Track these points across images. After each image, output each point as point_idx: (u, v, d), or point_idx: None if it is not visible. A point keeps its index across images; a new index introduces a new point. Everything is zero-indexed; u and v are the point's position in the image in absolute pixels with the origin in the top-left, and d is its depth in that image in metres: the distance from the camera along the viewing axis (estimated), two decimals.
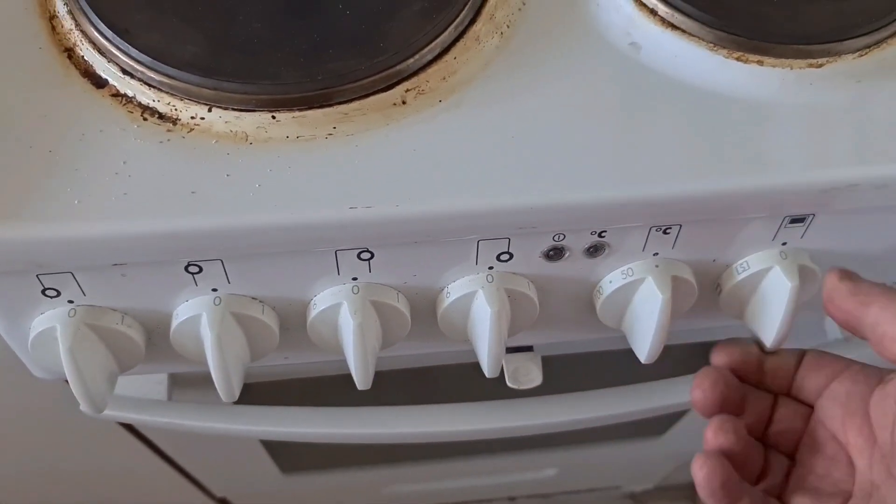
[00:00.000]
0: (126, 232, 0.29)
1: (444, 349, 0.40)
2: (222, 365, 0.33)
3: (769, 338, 0.37)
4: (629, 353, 0.48)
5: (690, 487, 1.08)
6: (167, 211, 0.29)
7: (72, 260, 0.30)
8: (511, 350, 0.42)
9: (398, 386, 0.49)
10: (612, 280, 0.35)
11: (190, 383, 0.44)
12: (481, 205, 0.30)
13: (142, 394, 0.43)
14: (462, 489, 0.87)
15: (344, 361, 0.41)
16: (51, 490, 0.65)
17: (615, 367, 0.49)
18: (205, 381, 0.45)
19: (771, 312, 0.36)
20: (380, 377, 0.48)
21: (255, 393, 0.44)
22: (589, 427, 0.44)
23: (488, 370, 0.36)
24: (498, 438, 0.69)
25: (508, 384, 0.41)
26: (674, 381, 0.44)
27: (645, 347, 0.36)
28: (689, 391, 0.37)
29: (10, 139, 0.30)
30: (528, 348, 0.42)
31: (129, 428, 0.53)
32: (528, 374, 0.41)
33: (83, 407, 0.34)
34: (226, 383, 0.34)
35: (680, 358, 0.50)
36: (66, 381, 0.44)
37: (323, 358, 0.39)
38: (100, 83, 0.32)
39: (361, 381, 0.35)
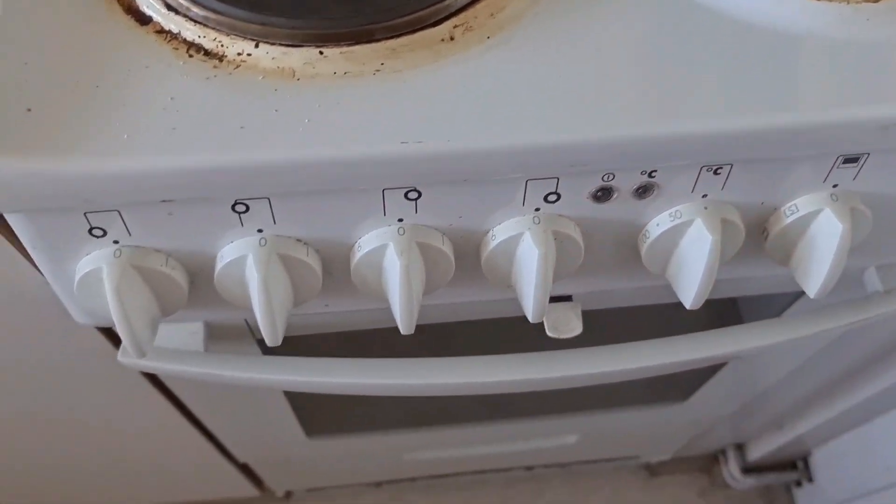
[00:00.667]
0: (175, 166, 0.29)
1: (486, 297, 0.40)
2: (268, 307, 0.33)
3: (815, 285, 0.36)
4: (665, 309, 0.48)
5: (705, 459, 1.08)
6: (216, 145, 0.29)
7: (120, 196, 0.30)
8: (551, 300, 0.41)
9: (434, 342, 0.48)
10: (659, 223, 0.35)
11: (226, 335, 0.44)
12: (533, 141, 0.30)
13: (178, 345, 0.42)
14: (481, 457, 0.87)
15: (381, 313, 0.41)
16: (71, 447, 0.65)
17: (652, 322, 0.49)
18: (240, 333, 0.45)
19: (819, 257, 0.35)
20: (417, 331, 0.48)
21: (290, 347, 0.44)
22: (624, 379, 0.44)
23: (533, 315, 0.35)
24: (524, 401, 0.69)
25: (548, 333, 0.41)
26: (710, 333, 0.44)
27: (692, 292, 0.36)
28: None
29: (57, 75, 0.30)
30: (568, 298, 0.42)
31: (158, 384, 0.53)
32: (569, 323, 0.40)
33: (127, 349, 0.34)
34: (271, 326, 0.34)
35: (715, 313, 0.50)
36: (101, 330, 0.44)
37: (363, 306, 0.39)
38: (144, 19, 0.32)
39: (406, 324, 0.35)
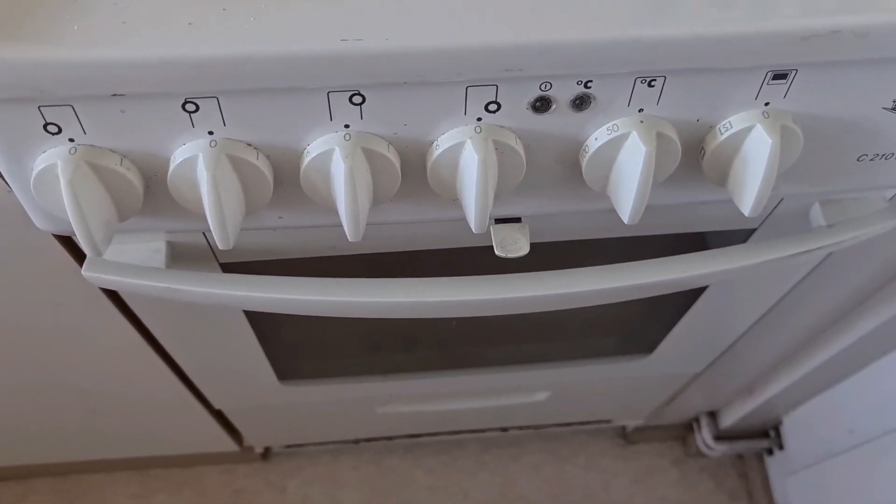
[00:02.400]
0: (125, 57, 0.30)
1: (435, 215, 0.41)
2: (217, 205, 0.34)
3: (749, 201, 0.38)
4: (630, 247, 0.49)
5: (680, 428, 1.10)
6: (165, 39, 0.30)
7: (71, 87, 0.31)
8: (500, 221, 0.43)
9: (389, 270, 0.50)
10: (597, 137, 0.36)
11: (188, 254, 0.46)
12: (468, 42, 0.31)
13: (141, 263, 0.44)
14: (455, 415, 0.88)
15: (334, 231, 0.42)
16: (38, 388, 0.66)
17: (605, 254, 0.50)
18: (202, 254, 0.46)
19: (752, 173, 0.37)
20: (371, 260, 0.49)
21: (250, 272, 0.45)
22: (568, 305, 0.45)
23: (475, 224, 0.37)
24: (492, 350, 0.71)
25: (496, 252, 0.42)
26: (661, 260, 0.45)
27: (628, 206, 0.37)
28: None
29: None
30: (517, 220, 0.43)
31: (126, 311, 0.54)
32: (516, 243, 0.42)
33: (83, 247, 0.35)
34: (220, 226, 0.35)
35: (667, 249, 0.51)
36: (65, 245, 0.45)
37: (315, 221, 0.41)
38: None
39: (352, 230, 0.36)
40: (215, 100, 0.33)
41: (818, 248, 0.46)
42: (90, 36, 0.30)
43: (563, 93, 0.34)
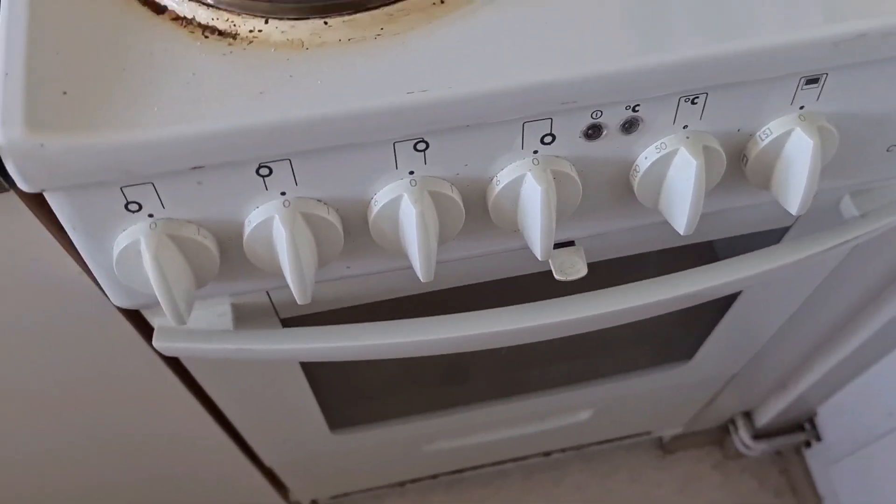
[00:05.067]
0: (204, 131, 0.32)
1: (495, 248, 0.42)
2: (296, 261, 0.35)
3: (795, 201, 0.39)
4: (658, 260, 0.51)
5: (716, 431, 1.11)
6: (240, 110, 0.32)
7: (154, 164, 0.32)
8: (555, 246, 0.44)
9: (441, 307, 0.51)
10: (647, 156, 0.38)
11: (251, 314, 0.47)
12: (526, 81, 0.33)
13: (208, 327, 0.45)
14: (499, 445, 0.89)
15: (398, 276, 0.43)
16: (93, 450, 0.67)
17: (647, 273, 0.52)
18: (264, 311, 0.47)
19: (795, 174, 0.38)
20: (429, 303, 0.51)
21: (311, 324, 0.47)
22: (630, 319, 0.47)
23: (541, 252, 0.38)
24: (537, 374, 0.72)
25: (556, 277, 0.43)
26: (706, 268, 0.46)
27: (684, 218, 0.39)
28: None
29: (86, 62, 0.33)
30: (571, 243, 0.44)
31: (184, 377, 0.55)
32: (574, 265, 0.43)
33: (169, 316, 0.36)
34: (300, 281, 0.36)
35: (678, 259, 0.52)
36: (132, 320, 0.46)
37: (382, 266, 0.42)
38: (159, 9, 0.35)
39: (425, 271, 0.38)
40: (288, 162, 0.34)
41: (855, 238, 0.48)
42: (169, 115, 0.32)
43: (612, 119, 0.36)
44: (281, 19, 0.34)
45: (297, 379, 0.57)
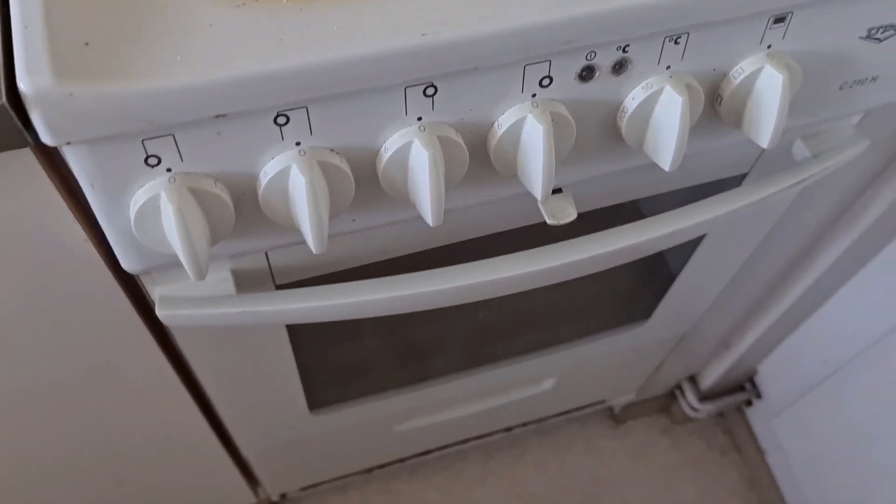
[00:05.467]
0: (230, 77, 0.32)
1: (494, 195, 0.44)
2: (315, 209, 0.36)
3: (767, 134, 0.43)
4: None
5: (664, 398, 1.15)
6: (262, 56, 0.33)
7: (179, 113, 0.33)
8: None
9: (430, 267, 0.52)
10: (634, 96, 0.41)
11: (250, 281, 0.47)
12: (530, 21, 0.35)
13: (209, 294, 0.45)
14: (466, 421, 0.90)
15: (400, 230, 0.45)
16: (68, 430, 0.65)
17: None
18: (262, 278, 0.48)
19: (766, 109, 0.42)
20: (411, 261, 0.52)
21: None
22: (606, 265, 0.49)
23: (541, 192, 0.40)
24: (504, 343, 0.74)
25: (548, 222, 0.45)
26: (678, 211, 0.50)
27: (669, 154, 0.41)
28: None
29: (106, 15, 0.33)
30: (559, 191, 0.47)
31: (173, 356, 0.54)
32: (564, 210, 0.45)
33: (189, 272, 0.37)
34: (318, 227, 0.37)
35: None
36: (127, 292, 0.46)
37: (387, 218, 0.43)
38: None
39: (435, 215, 0.39)
40: (304, 110, 0.35)
41: (811, 176, 0.52)
42: (192, 63, 0.32)
43: (605, 59, 0.39)
44: None
45: (284, 353, 0.58)
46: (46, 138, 0.32)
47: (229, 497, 0.89)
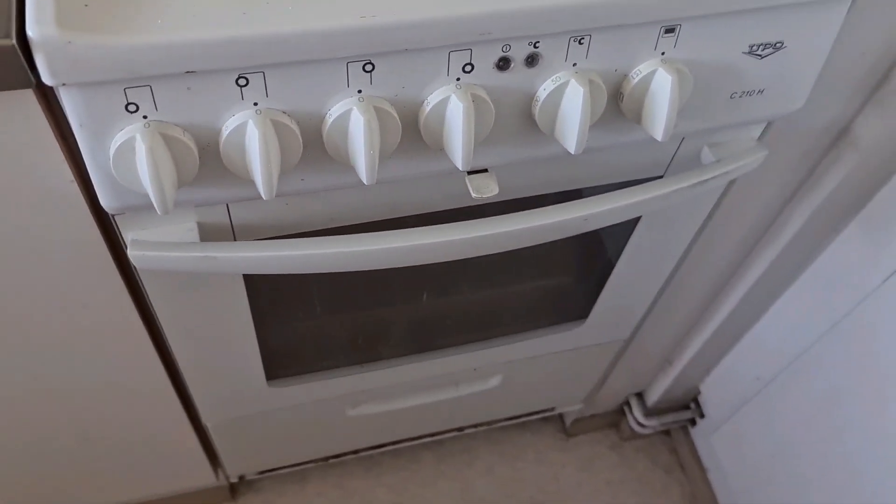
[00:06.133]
0: (198, 38, 0.40)
1: (425, 168, 0.51)
2: (265, 158, 0.43)
3: (660, 128, 0.50)
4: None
5: (613, 415, 1.21)
6: (227, 24, 0.40)
7: (156, 65, 0.40)
8: (471, 173, 0.54)
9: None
10: (545, 87, 0.48)
11: (213, 234, 0.54)
12: (451, 13, 0.43)
13: (177, 239, 0.52)
14: (416, 414, 0.96)
15: (344, 196, 0.52)
16: (30, 388, 0.70)
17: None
18: (225, 233, 0.55)
19: (659, 105, 0.49)
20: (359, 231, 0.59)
21: None
22: (527, 241, 0.56)
23: (462, 162, 0.47)
24: (449, 330, 0.80)
25: (473, 195, 0.52)
26: (603, 197, 0.57)
27: (574, 138, 0.49)
28: None
29: None
30: (485, 170, 0.54)
31: (142, 308, 0.61)
32: (487, 186, 0.53)
33: (156, 205, 0.43)
34: (267, 176, 0.44)
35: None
36: (104, 235, 0.52)
37: (333, 181, 0.50)
38: None
39: (369, 174, 0.46)
40: (261, 74, 0.43)
41: (713, 178, 0.59)
42: (171, 26, 0.40)
43: (518, 52, 0.46)
44: None
45: (242, 311, 0.64)
46: (46, 78, 0.39)
47: (191, 474, 0.94)
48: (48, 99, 0.43)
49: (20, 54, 0.38)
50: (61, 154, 0.46)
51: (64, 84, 0.40)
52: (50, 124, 0.44)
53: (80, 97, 0.41)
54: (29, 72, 0.39)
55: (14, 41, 0.38)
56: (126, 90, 0.41)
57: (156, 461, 0.89)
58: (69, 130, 0.43)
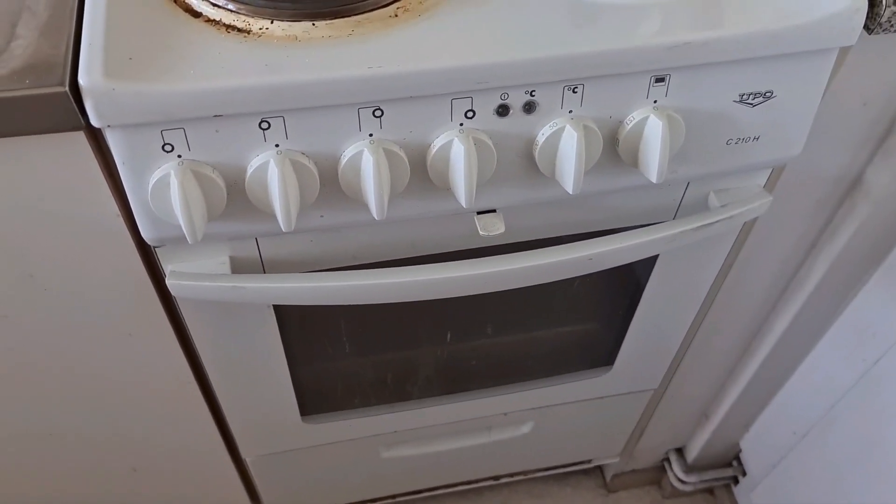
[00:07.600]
0: (224, 86, 0.45)
1: (434, 208, 0.56)
2: (283, 192, 0.48)
3: (654, 170, 0.53)
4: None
5: (654, 471, 1.20)
6: (251, 74, 0.46)
7: (188, 109, 0.46)
8: (480, 213, 0.58)
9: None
10: (543, 133, 0.52)
11: (243, 268, 0.59)
12: (449, 64, 0.48)
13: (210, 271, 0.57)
14: (451, 459, 0.98)
15: (363, 233, 0.56)
16: (70, 424, 0.75)
17: None
18: (255, 266, 0.60)
19: (652, 149, 0.53)
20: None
21: None
22: (550, 279, 0.60)
23: (465, 199, 0.51)
24: (477, 373, 0.83)
25: (480, 233, 0.56)
26: (608, 237, 0.60)
27: (570, 179, 0.52)
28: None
29: (145, 43, 0.47)
30: (493, 211, 0.58)
31: (184, 343, 0.66)
32: (494, 224, 0.56)
33: (187, 233, 0.49)
34: (286, 210, 0.49)
35: None
36: (148, 271, 0.58)
37: (350, 218, 0.55)
38: (196, 14, 0.49)
39: (378, 209, 0.51)
40: (282, 119, 0.48)
41: (718, 221, 0.62)
42: (202, 75, 0.45)
43: (516, 100, 0.50)
44: (282, 21, 0.48)
45: (274, 343, 0.69)
46: (94, 120, 0.45)
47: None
48: (97, 140, 0.49)
49: (72, 100, 0.44)
50: (108, 190, 0.52)
51: (109, 126, 0.46)
52: (98, 163, 0.50)
53: (122, 138, 0.47)
54: (80, 115, 0.45)
55: (66, 88, 0.44)
56: (163, 132, 0.47)
57: (197, 495, 0.93)
58: (115, 169, 0.49)
